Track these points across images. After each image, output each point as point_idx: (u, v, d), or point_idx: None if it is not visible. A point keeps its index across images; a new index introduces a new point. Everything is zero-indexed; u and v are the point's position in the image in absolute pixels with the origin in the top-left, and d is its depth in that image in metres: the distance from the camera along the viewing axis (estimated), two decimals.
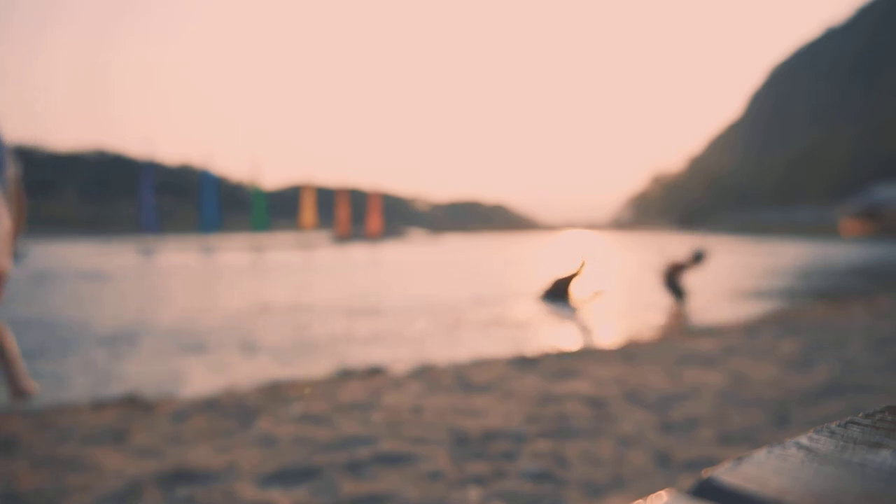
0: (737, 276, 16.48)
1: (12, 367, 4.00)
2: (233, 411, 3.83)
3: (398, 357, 6.22)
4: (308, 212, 46.66)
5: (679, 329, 8.08)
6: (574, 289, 11.10)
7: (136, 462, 2.91)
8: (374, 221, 57.70)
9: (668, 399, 3.88)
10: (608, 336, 7.42)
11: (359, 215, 65.43)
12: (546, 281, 11.45)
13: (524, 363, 5.26)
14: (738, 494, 0.29)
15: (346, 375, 5.20)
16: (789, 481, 0.30)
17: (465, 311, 9.81)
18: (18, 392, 3.98)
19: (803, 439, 0.34)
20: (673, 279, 10.33)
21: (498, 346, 6.82)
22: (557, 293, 11.08)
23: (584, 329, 8.20)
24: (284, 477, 2.69)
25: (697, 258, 10.35)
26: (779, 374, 4.54)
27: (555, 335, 7.69)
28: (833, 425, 0.36)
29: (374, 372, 5.35)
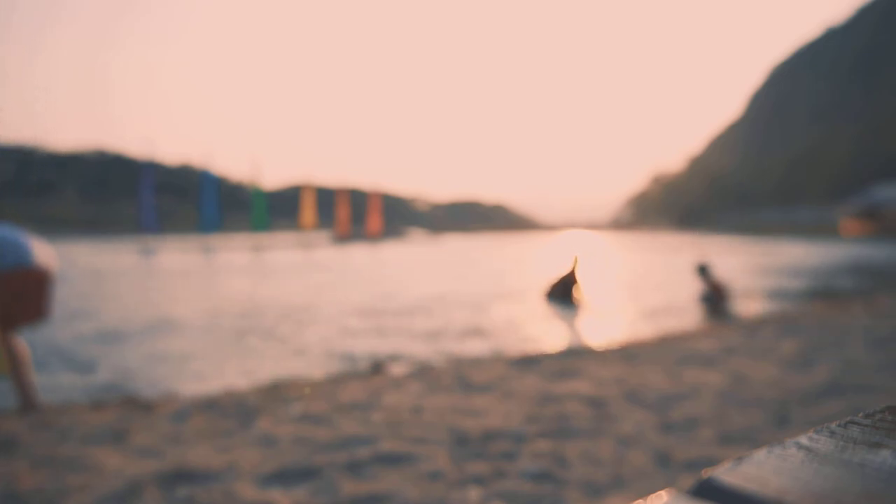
0: (737, 276, 16.48)
1: (24, 380, 4.01)
2: (233, 411, 3.83)
3: (398, 356, 6.22)
4: (308, 212, 46.66)
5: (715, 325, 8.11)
6: (575, 286, 11.11)
7: (136, 462, 2.91)
8: (374, 221, 57.70)
9: (668, 399, 3.88)
10: (608, 336, 7.42)
11: (359, 215, 65.43)
12: (548, 281, 11.46)
13: (524, 363, 5.26)
14: (738, 494, 0.29)
15: (346, 375, 5.20)
16: (789, 481, 0.30)
17: (466, 311, 9.81)
18: (28, 405, 4.00)
19: (803, 439, 0.34)
20: (714, 298, 10.23)
21: (498, 345, 6.82)
22: (560, 292, 11.09)
23: (585, 328, 8.20)
24: (284, 477, 2.69)
25: (702, 271, 10.41)
26: (779, 374, 4.54)
27: (555, 335, 7.69)
28: (833, 425, 0.36)
29: (374, 372, 5.35)
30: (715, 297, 10.20)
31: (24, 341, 4.17)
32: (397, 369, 5.43)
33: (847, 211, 66.37)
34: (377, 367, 5.62)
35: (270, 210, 44.25)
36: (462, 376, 4.74)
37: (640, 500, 0.30)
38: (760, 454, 0.33)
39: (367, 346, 6.94)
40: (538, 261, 25.10)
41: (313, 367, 5.81)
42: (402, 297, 12.05)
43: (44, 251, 4.01)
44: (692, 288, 11.91)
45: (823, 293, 12.59)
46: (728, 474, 0.31)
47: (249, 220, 42.39)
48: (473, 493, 2.48)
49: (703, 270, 10.50)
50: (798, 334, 6.37)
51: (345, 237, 53.61)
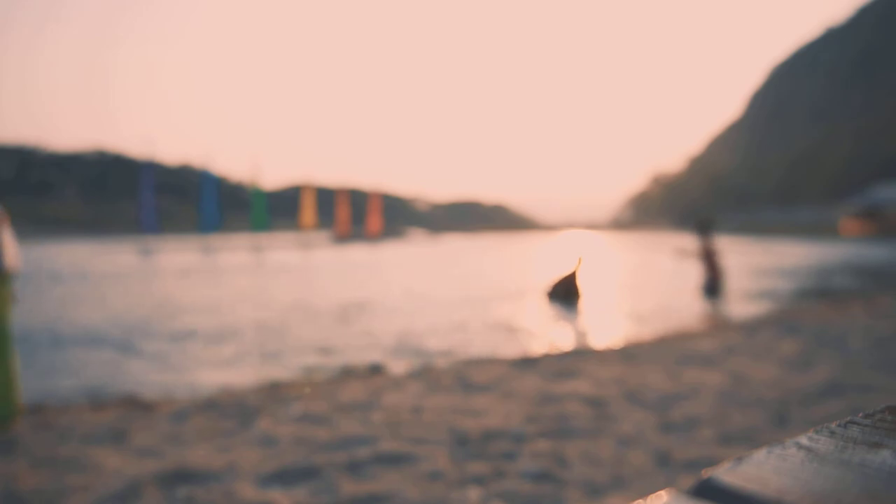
0: (737, 276, 16.48)
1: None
2: (233, 411, 3.83)
3: (399, 356, 6.22)
4: (308, 212, 46.69)
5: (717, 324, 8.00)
6: (576, 286, 11.09)
7: (136, 462, 2.91)
8: (374, 221, 57.71)
9: (668, 399, 3.88)
10: (608, 336, 7.42)
11: (359, 215, 65.45)
12: (548, 280, 11.45)
13: (524, 363, 5.26)
14: (738, 494, 0.29)
15: (346, 375, 5.20)
16: (789, 481, 0.30)
17: (467, 311, 9.80)
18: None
19: (803, 439, 0.34)
20: (713, 277, 9.85)
21: (498, 345, 6.82)
22: (560, 292, 11.08)
23: (585, 328, 8.20)
24: (284, 477, 2.69)
25: (704, 227, 9.98)
26: (779, 374, 4.54)
27: (555, 335, 7.69)
28: (833, 425, 0.36)
29: (374, 372, 5.35)
30: (713, 280, 9.88)
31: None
32: (397, 369, 5.43)
33: (847, 211, 66.29)
34: (377, 367, 5.62)
35: (270, 210, 44.25)
36: (462, 376, 4.74)
37: (640, 500, 0.30)
38: (760, 454, 0.33)
39: (363, 346, 6.93)
40: (538, 261, 25.09)
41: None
42: (402, 296, 12.05)
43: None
44: (692, 285, 11.92)
45: (823, 293, 12.59)
46: (728, 474, 0.31)
47: (249, 220, 42.39)
48: (473, 493, 2.48)
49: (705, 225, 9.86)
50: (798, 334, 6.37)
51: (345, 237, 53.63)
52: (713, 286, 9.97)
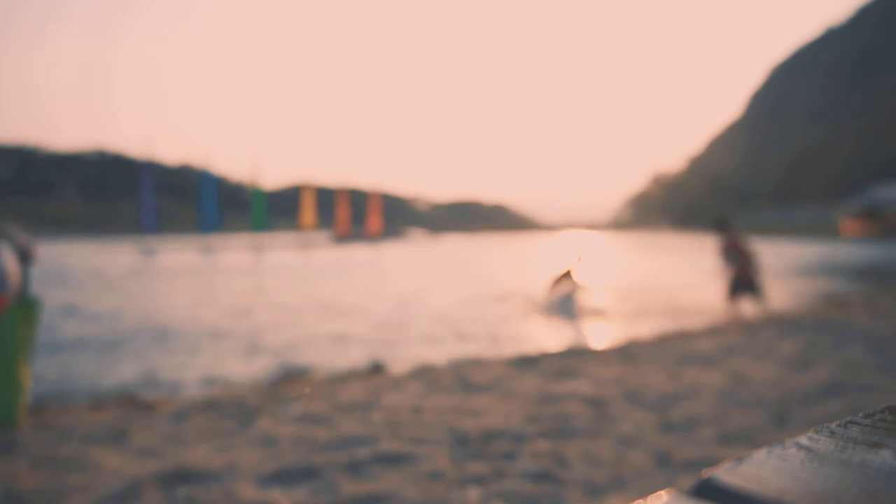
0: None
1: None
2: (233, 411, 3.83)
3: (399, 356, 6.22)
4: (308, 212, 46.70)
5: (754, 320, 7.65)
6: (573, 284, 11.06)
7: (136, 462, 2.91)
8: (374, 221, 57.71)
9: (668, 399, 3.88)
10: (608, 336, 7.42)
11: (359, 215, 65.44)
12: (546, 279, 11.43)
13: (524, 363, 5.26)
14: (738, 494, 0.29)
15: (346, 375, 5.20)
16: (789, 481, 0.30)
17: (467, 311, 9.81)
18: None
19: (803, 439, 0.34)
20: (741, 282, 8.70)
21: (498, 345, 6.82)
22: (559, 292, 11.07)
23: (584, 328, 8.19)
24: (284, 477, 2.69)
25: (721, 224, 8.75)
26: (779, 374, 4.54)
27: (555, 335, 7.69)
28: (833, 425, 0.36)
29: (374, 372, 5.35)
30: (741, 278, 8.73)
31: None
32: (397, 369, 5.43)
33: (847, 211, 66.21)
34: (377, 367, 5.63)
35: (270, 210, 44.25)
36: (462, 376, 4.74)
37: (640, 500, 0.30)
38: (760, 454, 0.33)
39: (365, 346, 6.93)
40: (538, 261, 25.10)
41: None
42: (404, 297, 12.05)
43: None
44: (699, 288, 11.91)
45: (823, 293, 12.59)
46: (728, 474, 0.31)
47: (249, 220, 42.39)
48: (473, 493, 2.48)
49: (722, 223, 8.63)
50: (798, 334, 6.37)
51: (345, 237, 53.64)
52: (748, 285, 8.89)
